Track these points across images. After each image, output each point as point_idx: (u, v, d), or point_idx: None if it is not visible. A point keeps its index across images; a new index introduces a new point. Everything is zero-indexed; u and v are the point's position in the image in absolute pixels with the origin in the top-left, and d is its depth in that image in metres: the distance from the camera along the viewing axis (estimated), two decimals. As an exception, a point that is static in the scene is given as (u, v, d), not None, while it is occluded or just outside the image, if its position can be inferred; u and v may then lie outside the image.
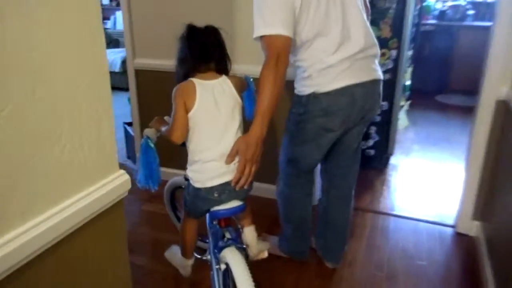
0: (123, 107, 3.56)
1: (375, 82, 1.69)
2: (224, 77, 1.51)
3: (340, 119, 1.65)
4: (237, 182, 1.47)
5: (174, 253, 1.83)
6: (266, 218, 2.33)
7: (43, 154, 0.80)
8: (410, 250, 2.27)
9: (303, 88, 1.67)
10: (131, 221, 2.53)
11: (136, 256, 2.15)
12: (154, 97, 2.77)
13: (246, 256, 1.49)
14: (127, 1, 2.66)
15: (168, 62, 1.82)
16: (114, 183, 0.98)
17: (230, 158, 1.45)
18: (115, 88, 5.05)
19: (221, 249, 1.45)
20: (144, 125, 2.48)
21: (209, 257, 1.61)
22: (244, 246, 1.55)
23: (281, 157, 1.92)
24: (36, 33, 0.76)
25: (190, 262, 1.78)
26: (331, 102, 1.62)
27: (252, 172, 1.48)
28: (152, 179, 1.54)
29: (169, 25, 2.22)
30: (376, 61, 1.72)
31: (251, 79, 1.72)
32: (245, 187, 1.49)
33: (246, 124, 1.55)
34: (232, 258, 1.39)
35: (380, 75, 1.73)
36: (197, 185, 1.50)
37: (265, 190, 2.52)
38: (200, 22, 1.54)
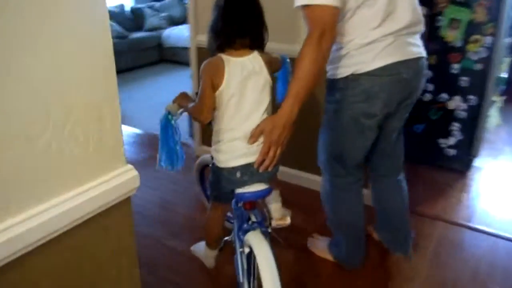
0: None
1: (419, 60, 1.51)
2: (255, 54, 1.40)
3: (382, 102, 1.48)
4: (260, 164, 1.38)
5: (199, 246, 1.83)
6: (320, 213, 2.12)
7: (27, 147, 0.72)
8: (482, 271, 1.96)
9: (339, 70, 1.48)
10: (188, 203, 2.51)
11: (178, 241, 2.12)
12: None
13: (271, 240, 1.44)
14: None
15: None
16: (118, 179, 0.89)
17: (252, 139, 1.37)
18: (184, 63, 5.21)
19: (245, 232, 1.42)
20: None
21: (233, 238, 1.57)
22: (270, 231, 1.50)
23: (320, 156, 1.73)
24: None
25: (214, 253, 1.75)
26: (374, 83, 1.44)
27: (277, 155, 1.37)
28: (172, 159, 1.47)
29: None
30: (419, 38, 1.54)
31: (288, 60, 1.60)
32: (269, 169, 1.40)
33: (276, 108, 1.41)
34: (256, 242, 1.35)
35: (423, 52, 1.55)
36: (220, 165, 1.44)
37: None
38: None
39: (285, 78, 1.61)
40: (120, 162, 0.90)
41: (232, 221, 1.62)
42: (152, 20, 6.59)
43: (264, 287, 1.24)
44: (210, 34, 1.42)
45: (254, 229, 1.41)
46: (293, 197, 2.36)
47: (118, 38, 5.81)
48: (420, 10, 1.50)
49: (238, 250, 1.48)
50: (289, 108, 1.32)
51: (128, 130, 3.57)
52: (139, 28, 6.48)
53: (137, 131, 3.58)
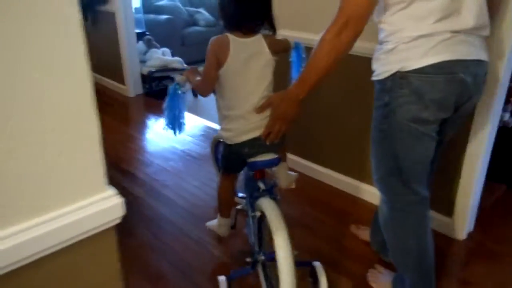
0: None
1: (480, 63, 1.31)
2: (259, 36, 1.50)
3: (436, 106, 1.28)
4: (266, 136, 1.47)
5: (213, 221, 1.95)
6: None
7: None
8: None
9: (385, 67, 1.30)
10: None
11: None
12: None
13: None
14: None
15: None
16: (96, 206, 0.73)
17: (260, 109, 1.47)
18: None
19: (256, 198, 1.52)
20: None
21: (245, 207, 1.74)
22: (279, 198, 1.58)
23: (375, 174, 1.49)
24: None
25: (227, 221, 1.85)
26: (424, 83, 1.25)
27: (282, 130, 1.46)
28: (175, 124, 1.61)
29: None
30: (485, 42, 1.33)
31: (301, 46, 1.71)
32: (276, 141, 1.50)
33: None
34: (267, 206, 1.44)
35: (487, 56, 1.34)
36: (229, 142, 1.56)
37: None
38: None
39: (298, 63, 1.71)
40: (99, 187, 0.75)
41: (241, 196, 1.94)
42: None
43: (276, 244, 1.33)
44: (221, 15, 1.49)
45: (264, 195, 1.50)
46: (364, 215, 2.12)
47: (208, 27, 5.85)
48: (487, 14, 1.30)
49: (250, 214, 1.61)
50: (297, 89, 1.36)
51: (201, 123, 3.52)
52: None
53: (209, 123, 3.52)
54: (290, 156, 2.69)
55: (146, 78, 4.16)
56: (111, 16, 3.89)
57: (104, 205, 0.75)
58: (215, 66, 1.46)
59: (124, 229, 2.04)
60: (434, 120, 1.31)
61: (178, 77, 1.57)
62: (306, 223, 2.15)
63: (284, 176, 1.86)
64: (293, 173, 1.96)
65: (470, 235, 2.03)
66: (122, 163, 2.80)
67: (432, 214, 2.01)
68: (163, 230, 2.10)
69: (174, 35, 5.45)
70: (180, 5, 5.87)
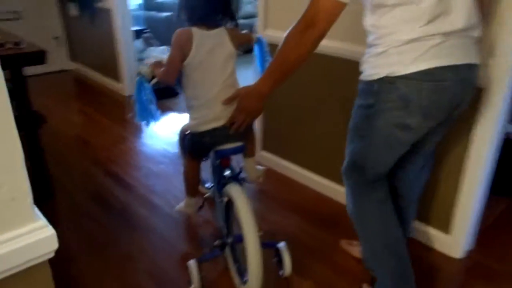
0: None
1: (471, 67, 1.28)
2: (222, 28, 1.57)
3: (422, 114, 1.26)
4: (231, 126, 1.53)
5: (180, 204, 2.02)
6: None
7: None
8: None
9: (374, 70, 1.28)
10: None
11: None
12: None
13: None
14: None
15: None
16: (21, 241, 0.64)
17: (227, 101, 1.54)
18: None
19: (223, 185, 1.58)
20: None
21: (212, 194, 1.89)
22: (244, 177, 1.73)
23: (344, 163, 1.52)
24: None
25: (194, 200, 1.93)
26: (412, 89, 1.23)
27: (245, 122, 1.51)
28: (147, 115, 1.64)
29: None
30: (477, 44, 1.29)
31: (263, 39, 1.82)
32: (240, 131, 1.55)
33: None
34: (234, 191, 1.51)
35: (479, 59, 1.30)
36: (191, 130, 1.66)
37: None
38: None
39: (260, 57, 1.83)
40: (26, 219, 0.65)
41: (206, 185, 2.18)
42: (248, 7, 6.42)
43: (242, 226, 1.43)
44: (183, 10, 1.56)
45: (230, 182, 1.56)
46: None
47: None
48: (477, 14, 1.25)
49: (218, 200, 1.69)
50: (262, 83, 1.40)
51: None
52: (235, 14, 6.37)
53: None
54: (272, 156, 2.68)
55: (143, 78, 4.07)
56: (107, 13, 3.80)
57: (33, 238, 0.66)
58: (178, 57, 1.53)
59: (108, 239, 1.99)
60: (418, 127, 1.29)
61: (143, 69, 1.61)
62: (290, 233, 2.06)
63: (252, 170, 1.95)
64: (261, 167, 2.04)
65: (469, 253, 1.91)
66: (112, 165, 2.71)
67: (428, 230, 1.97)
68: (147, 240, 2.01)
69: (173, 33, 5.35)
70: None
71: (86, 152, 2.93)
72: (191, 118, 1.64)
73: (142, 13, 5.61)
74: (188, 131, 1.72)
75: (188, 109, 1.64)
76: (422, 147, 1.45)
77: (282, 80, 1.37)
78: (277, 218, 2.20)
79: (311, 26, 1.22)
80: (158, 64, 1.66)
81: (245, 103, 1.47)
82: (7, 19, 4.37)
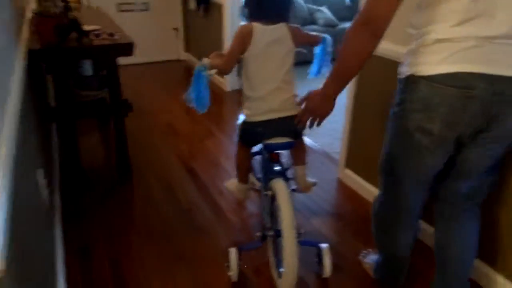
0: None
1: None
2: (282, 24, 1.60)
3: (443, 120, 1.19)
4: (299, 121, 1.55)
5: (231, 182, 2.06)
6: None
7: None
8: None
9: (403, 68, 1.29)
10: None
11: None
12: (372, 84, 2.18)
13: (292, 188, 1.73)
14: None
15: (393, 48, 1.85)
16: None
17: (300, 101, 1.55)
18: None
19: (270, 179, 1.63)
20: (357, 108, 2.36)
21: (260, 187, 1.92)
22: (291, 177, 1.81)
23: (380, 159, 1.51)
24: None
25: (245, 186, 1.98)
26: (433, 92, 1.17)
27: (309, 122, 1.52)
28: (200, 102, 1.66)
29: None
30: None
31: (328, 38, 1.80)
32: (298, 128, 1.61)
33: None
34: (278, 187, 1.56)
35: None
36: (246, 119, 1.70)
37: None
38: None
39: (321, 55, 1.84)
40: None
41: (258, 176, 2.11)
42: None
43: (281, 221, 1.48)
44: (247, 6, 1.62)
45: (277, 177, 1.61)
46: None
47: (327, 26, 5.55)
48: None
49: (263, 193, 1.74)
50: (327, 85, 1.38)
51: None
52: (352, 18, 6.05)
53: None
54: (353, 175, 2.46)
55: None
56: (219, 7, 3.88)
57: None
58: (238, 49, 1.60)
59: (164, 234, 2.00)
60: (440, 135, 1.22)
61: (203, 60, 1.64)
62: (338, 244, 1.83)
63: (301, 179, 1.93)
64: (312, 179, 2.00)
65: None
66: (192, 160, 2.74)
67: (494, 276, 1.69)
68: (202, 243, 1.97)
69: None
70: (301, 1, 5.68)
71: (173, 142, 3.02)
72: (246, 107, 1.68)
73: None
74: (243, 120, 1.76)
75: (245, 99, 1.69)
76: (464, 164, 1.32)
77: (345, 83, 1.36)
78: (333, 228, 2.03)
79: (368, 24, 1.18)
80: (218, 55, 1.71)
81: (312, 103, 1.48)
82: (137, 10, 4.79)
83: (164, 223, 2.10)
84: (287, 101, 1.62)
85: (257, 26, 1.58)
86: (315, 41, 1.80)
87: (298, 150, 1.84)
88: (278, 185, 1.57)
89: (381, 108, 2.14)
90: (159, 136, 3.10)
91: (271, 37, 1.58)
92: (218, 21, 3.95)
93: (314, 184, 2.00)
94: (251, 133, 1.71)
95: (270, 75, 1.61)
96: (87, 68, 2.40)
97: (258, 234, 1.76)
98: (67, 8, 2.49)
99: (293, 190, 1.81)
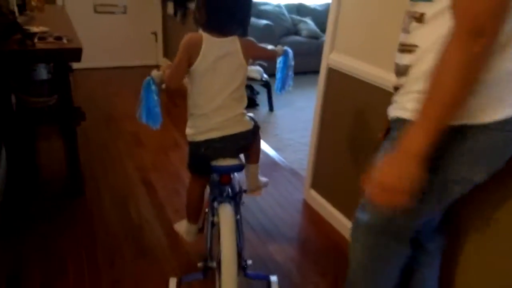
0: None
1: None
2: (234, 37, 1.49)
3: (489, 167, 1.04)
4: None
5: (181, 223, 1.83)
6: None
7: None
8: None
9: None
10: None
11: None
12: (340, 102, 2.07)
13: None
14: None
15: (365, 69, 1.81)
16: None
17: (364, 180, 1.04)
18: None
19: (218, 203, 1.51)
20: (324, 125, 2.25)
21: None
22: (243, 203, 1.69)
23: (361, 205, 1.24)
24: None
25: (194, 228, 1.75)
26: (488, 140, 0.98)
27: (397, 205, 0.97)
28: (151, 118, 1.53)
29: (377, 27, 1.78)
30: None
31: (291, 52, 1.72)
32: (239, 146, 1.56)
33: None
34: (223, 213, 1.46)
35: None
36: (189, 139, 1.56)
37: None
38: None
39: (283, 68, 1.74)
40: None
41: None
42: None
43: (222, 252, 1.37)
44: (196, 11, 1.48)
45: (224, 201, 1.50)
46: None
47: (310, 38, 5.47)
48: None
49: (209, 218, 1.60)
50: (417, 136, 0.91)
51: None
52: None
53: (268, 148, 3.15)
54: (318, 197, 2.33)
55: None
56: (196, 15, 3.77)
57: None
58: (185, 61, 1.46)
59: (110, 253, 1.84)
60: (476, 182, 1.05)
61: (154, 72, 1.52)
62: (290, 271, 1.70)
63: (252, 179, 1.76)
64: (264, 179, 1.85)
65: None
66: (152, 173, 2.60)
67: None
68: (141, 264, 1.82)
69: (271, 42, 5.18)
70: (285, 12, 5.59)
71: (135, 152, 2.87)
72: (189, 126, 1.56)
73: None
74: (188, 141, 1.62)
75: (189, 117, 1.56)
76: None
77: (446, 121, 0.92)
78: (290, 256, 1.92)
79: (475, 32, 0.84)
80: (169, 66, 1.56)
81: (387, 177, 0.96)
82: (116, 12, 4.65)
83: (109, 243, 1.95)
84: (233, 119, 1.50)
85: (207, 37, 1.44)
86: (271, 56, 1.70)
87: (252, 148, 1.68)
88: (224, 210, 1.46)
89: (348, 128, 2.03)
90: (122, 146, 2.95)
91: (221, 51, 1.45)
92: (195, 28, 3.82)
93: (265, 185, 1.86)
94: (195, 155, 1.57)
95: (216, 92, 1.48)
96: (41, 72, 2.25)
97: (199, 264, 1.60)
98: (21, 7, 2.35)
99: (244, 191, 1.72)
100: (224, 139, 1.49)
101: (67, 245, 1.91)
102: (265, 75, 4.10)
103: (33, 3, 2.81)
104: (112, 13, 4.63)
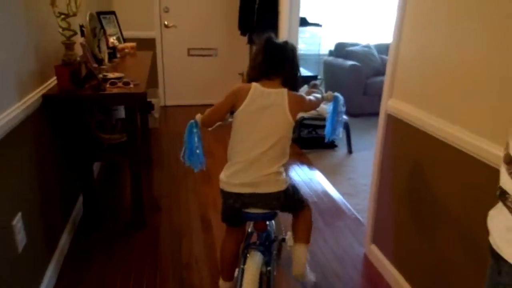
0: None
1: None
2: (284, 89, 1.47)
3: None
4: None
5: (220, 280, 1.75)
6: None
7: None
8: None
9: None
10: None
11: None
12: (400, 152, 1.91)
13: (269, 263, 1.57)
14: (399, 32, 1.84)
15: (427, 118, 1.66)
16: None
17: None
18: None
19: (249, 250, 1.51)
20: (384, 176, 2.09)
21: None
22: (274, 256, 1.64)
23: None
24: None
25: (226, 285, 1.66)
26: None
27: None
28: (193, 160, 1.55)
29: (437, 72, 1.62)
30: None
31: (342, 98, 1.72)
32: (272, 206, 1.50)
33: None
34: (249, 260, 1.44)
35: None
36: (220, 185, 1.53)
37: None
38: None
39: (333, 114, 1.74)
40: None
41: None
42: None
43: None
44: (250, 66, 1.55)
45: (254, 249, 1.50)
46: None
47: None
48: None
49: (240, 266, 1.53)
50: None
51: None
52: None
53: (335, 193, 3.02)
54: (378, 253, 2.13)
55: (297, 124, 3.94)
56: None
57: None
58: (227, 106, 1.49)
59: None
60: None
61: (198, 116, 1.56)
62: None
63: (298, 260, 1.60)
64: (312, 277, 1.79)
65: None
66: (210, 212, 2.65)
67: None
68: None
69: (358, 82, 5.08)
70: (375, 53, 5.44)
71: (201, 189, 2.96)
72: (223, 171, 1.52)
73: (332, 59, 5.56)
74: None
75: (228, 159, 1.54)
76: None
77: None
78: None
79: None
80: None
81: None
82: (207, 55, 5.01)
83: (156, 277, 2.00)
84: (266, 177, 1.44)
85: (256, 87, 1.46)
86: (318, 106, 1.65)
87: (299, 223, 1.61)
88: (252, 257, 1.45)
89: (408, 182, 1.85)
90: (191, 182, 3.08)
91: (267, 101, 1.44)
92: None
93: (309, 280, 1.74)
94: (226, 205, 1.53)
95: (255, 142, 1.44)
96: (121, 112, 2.49)
97: None
98: (111, 55, 2.65)
99: (283, 240, 1.69)
100: (254, 196, 1.45)
101: (119, 276, 2.01)
102: (344, 116, 3.99)
103: (126, 50, 3.15)
104: (203, 56, 4.99)
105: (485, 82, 1.34)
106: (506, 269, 0.76)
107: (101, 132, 2.25)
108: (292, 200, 1.55)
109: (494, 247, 0.79)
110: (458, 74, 1.47)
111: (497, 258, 0.79)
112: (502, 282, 0.79)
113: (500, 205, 0.80)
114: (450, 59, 1.52)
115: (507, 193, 0.77)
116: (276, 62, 1.49)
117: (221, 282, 1.69)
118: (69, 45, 1.95)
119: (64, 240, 2.13)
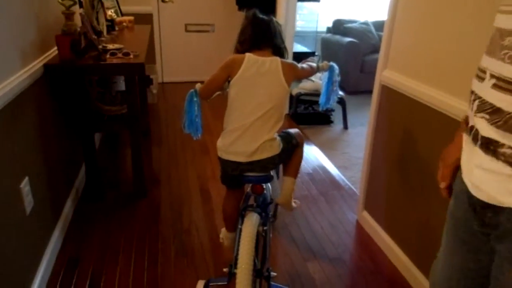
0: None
1: None
2: (276, 58, 1.53)
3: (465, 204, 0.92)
4: None
5: (222, 230, 1.86)
6: None
7: None
8: None
9: None
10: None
11: None
12: (393, 121, 1.96)
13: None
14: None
15: (420, 88, 1.72)
16: None
17: None
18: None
19: (246, 211, 1.57)
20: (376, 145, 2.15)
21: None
22: (271, 216, 1.73)
23: None
24: None
25: (230, 235, 1.79)
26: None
27: None
28: (192, 128, 1.60)
29: (429, 44, 1.68)
30: None
31: (337, 67, 1.75)
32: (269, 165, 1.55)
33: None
34: (247, 221, 1.50)
35: None
36: (218, 153, 1.58)
37: None
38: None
39: (328, 84, 1.77)
40: None
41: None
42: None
43: (238, 258, 1.40)
44: (237, 41, 1.60)
45: (251, 210, 1.56)
46: None
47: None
48: None
49: (238, 226, 1.61)
50: None
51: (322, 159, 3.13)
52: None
53: (331, 166, 3.10)
54: (370, 219, 2.23)
55: (294, 99, 3.99)
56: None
57: None
58: (222, 77, 1.53)
59: (155, 258, 1.98)
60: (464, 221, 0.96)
61: (198, 85, 1.59)
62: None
63: (285, 192, 1.69)
64: (297, 201, 1.84)
65: None
66: (209, 182, 2.72)
67: None
68: (184, 271, 1.91)
69: (355, 60, 5.10)
70: (372, 30, 5.44)
71: (200, 161, 3.03)
72: (220, 138, 1.57)
73: (329, 36, 5.56)
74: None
75: (224, 128, 1.58)
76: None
77: None
78: (328, 276, 1.79)
79: None
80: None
81: None
82: (204, 31, 5.00)
83: (158, 243, 2.09)
84: (261, 146, 1.48)
85: (250, 56, 1.51)
86: (312, 73, 1.69)
87: (291, 160, 1.68)
88: (249, 218, 1.50)
89: (401, 150, 1.92)
90: (189, 154, 3.14)
91: (262, 68, 1.49)
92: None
93: (296, 205, 1.83)
94: (225, 172, 1.61)
95: (251, 109, 1.49)
96: (121, 84, 2.53)
97: (225, 269, 1.65)
98: (110, 28, 2.66)
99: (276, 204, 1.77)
100: (251, 164, 1.51)
101: (122, 240, 2.10)
102: (340, 92, 4.03)
103: (124, 24, 3.16)
104: (201, 31, 4.98)
105: (472, 53, 1.39)
106: None
107: (102, 103, 2.29)
108: (287, 151, 1.61)
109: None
110: (447, 46, 1.53)
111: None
112: None
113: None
114: (440, 32, 1.57)
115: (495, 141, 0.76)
116: (266, 34, 1.56)
117: (224, 232, 1.81)
118: (68, 15, 1.97)
119: (68, 207, 2.20)
